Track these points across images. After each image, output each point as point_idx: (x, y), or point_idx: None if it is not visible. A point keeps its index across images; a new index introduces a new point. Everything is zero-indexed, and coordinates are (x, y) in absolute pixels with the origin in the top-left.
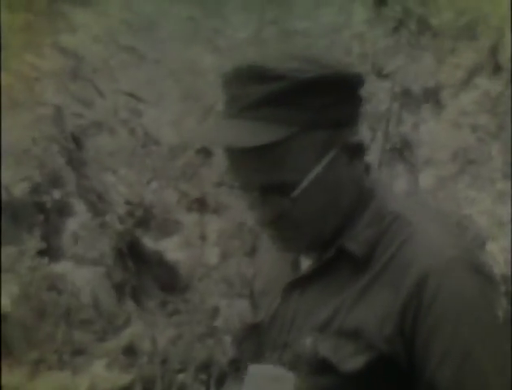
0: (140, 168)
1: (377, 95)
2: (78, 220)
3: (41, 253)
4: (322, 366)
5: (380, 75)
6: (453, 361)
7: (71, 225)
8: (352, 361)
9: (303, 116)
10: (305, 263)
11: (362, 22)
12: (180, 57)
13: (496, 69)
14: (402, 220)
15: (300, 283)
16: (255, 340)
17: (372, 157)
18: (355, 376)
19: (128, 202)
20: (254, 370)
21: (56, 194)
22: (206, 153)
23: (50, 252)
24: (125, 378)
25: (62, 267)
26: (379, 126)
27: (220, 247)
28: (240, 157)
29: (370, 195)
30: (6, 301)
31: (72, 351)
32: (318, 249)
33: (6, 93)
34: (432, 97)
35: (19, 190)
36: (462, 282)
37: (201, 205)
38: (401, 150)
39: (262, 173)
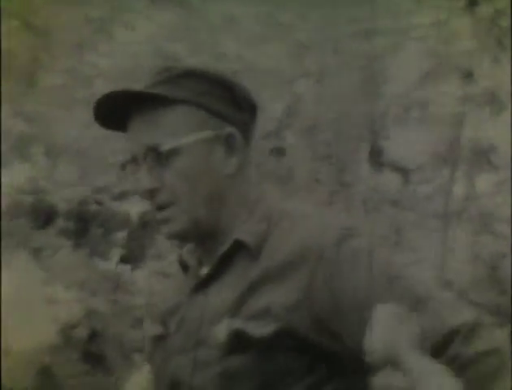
0: None
1: (444, 97)
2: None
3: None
4: (236, 342)
5: (466, 76)
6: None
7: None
8: (263, 329)
9: (183, 93)
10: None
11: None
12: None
13: None
14: (291, 215)
15: (202, 286)
16: (163, 350)
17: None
18: (266, 347)
19: None
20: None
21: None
22: (278, 151)
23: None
24: None
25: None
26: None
27: None
28: (136, 115)
29: (258, 198)
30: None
31: None
32: (204, 242)
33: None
34: None
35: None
36: (354, 244)
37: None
38: (478, 155)
39: (146, 134)
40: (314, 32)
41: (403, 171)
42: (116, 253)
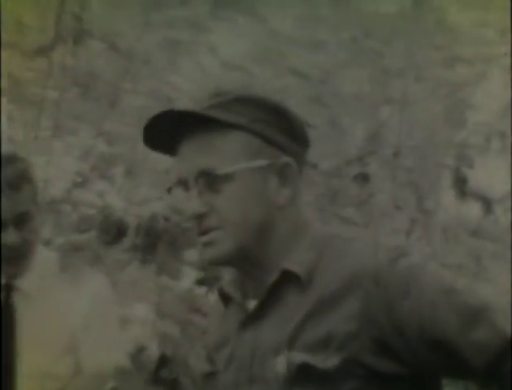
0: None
1: None
2: None
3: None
4: (299, 375)
5: None
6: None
7: None
8: (328, 360)
9: (240, 119)
10: (252, 304)
11: None
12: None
13: None
14: (340, 239)
15: (252, 320)
16: (213, 388)
17: None
18: (331, 378)
19: None
20: None
21: None
22: (363, 177)
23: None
24: None
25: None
26: None
27: None
28: (189, 138)
29: (305, 226)
30: None
31: None
32: (249, 270)
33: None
34: None
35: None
36: (408, 262)
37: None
38: None
39: (200, 157)
40: (397, 59)
41: (485, 201)
42: (187, 273)
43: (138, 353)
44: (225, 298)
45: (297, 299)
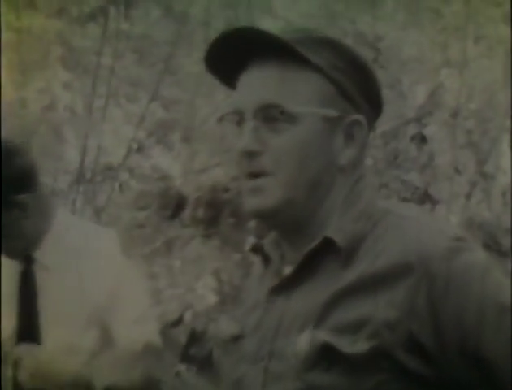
0: None
1: None
2: None
3: None
4: (321, 357)
5: None
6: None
7: None
8: (356, 345)
9: (319, 60)
10: (289, 270)
11: None
12: None
13: None
14: (393, 215)
15: (284, 288)
16: (233, 354)
17: None
18: (356, 366)
19: None
20: None
21: None
22: (421, 138)
23: None
24: None
25: None
26: None
27: None
28: (258, 67)
29: (359, 193)
30: None
31: None
32: (292, 233)
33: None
34: None
35: None
36: (468, 259)
37: (424, 196)
38: None
39: (267, 89)
40: (456, 18)
41: None
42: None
43: (169, 328)
44: (265, 258)
45: (335, 272)
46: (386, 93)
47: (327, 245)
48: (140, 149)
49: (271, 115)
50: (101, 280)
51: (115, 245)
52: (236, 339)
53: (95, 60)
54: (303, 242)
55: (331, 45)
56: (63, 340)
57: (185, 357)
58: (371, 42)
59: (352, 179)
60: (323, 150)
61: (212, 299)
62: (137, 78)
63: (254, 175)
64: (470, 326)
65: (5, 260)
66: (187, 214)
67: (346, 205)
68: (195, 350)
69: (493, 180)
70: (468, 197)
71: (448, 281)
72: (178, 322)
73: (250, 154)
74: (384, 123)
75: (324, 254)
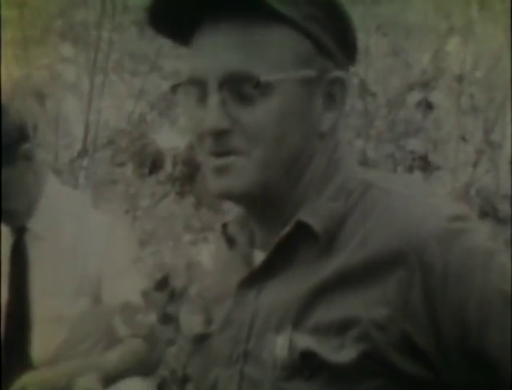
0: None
1: None
2: None
3: None
4: (302, 364)
5: None
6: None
7: None
8: (342, 352)
9: (291, 12)
10: (260, 257)
11: None
12: None
13: None
14: (377, 189)
15: (256, 280)
16: (204, 354)
17: None
18: (343, 374)
19: None
20: None
21: None
22: (426, 104)
23: None
24: None
25: None
26: None
27: None
28: (218, 26)
29: (336, 165)
30: None
31: None
32: (265, 214)
33: None
34: None
35: None
36: (469, 242)
37: (424, 163)
38: None
39: (233, 54)
40: None
41: None
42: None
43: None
44: (230, 240)
45: (313, 261)
46: (390, 62)
47: (303, 230)
48: (141, 122)
49: (240, 87)
50: (92, 248)
51: (105, 213)
52: (204, 338)
53: (96, 33)
54: (276, 224)
55: None
56: (54, 310)
57: (163, 317)
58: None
59: (329, 148)
60: (302, 120)
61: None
62: (139, 51)
63: (223, 154)
64: (472, 321)
65: None
66: (163, 172)
67: (323, 179)
68: (172, 309)
69: (500, 149)
70: (475, 165)
71: (445, 271)
72: (162, 284)
73: (218, 133)
74: (388, 92)
75: (300, 240)
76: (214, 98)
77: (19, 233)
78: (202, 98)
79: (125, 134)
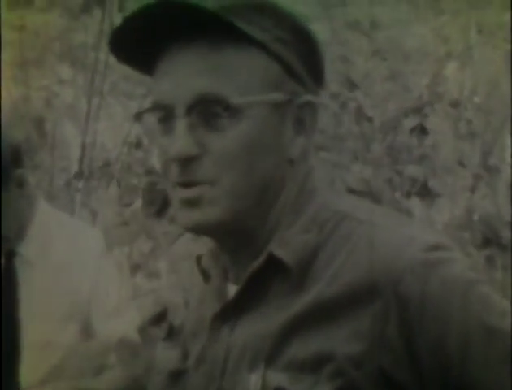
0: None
1: None
2: None
3: None
4: None
5: None
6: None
7: None
8: (316, 389)
9: (260, 34)
10: (233, 291)
11: None
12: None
13: None
14: (352, 220)
15: (228, 315)
16: None
17: None
18: None
19: None
20: None
21: None
22: (421, 130)
23: None
24: None
25: None
26: None
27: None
28: (185, 49)
29: (308, 194)
30: None
31: None
32: (236, 246)
33: None
34: None
35: None
36: (447, 273)
37: (424, 190)
38: None
39: (201, 77)
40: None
41: None
42: None
43: (149, 325)
44: (204, 273)
45: (286, 295)
46: (388, 86)
47: (274, 263)
48: (138, 145)
49: (209, 110)
50: (83, 274)
51: (97, 240)
52: (179, 373)
53: (93, 55)
54: (248, 256)
55: (269, 12)
56: (43, 335)
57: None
58: (365, 28)
59: (301, 175)
60: (272, 145)
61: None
62: (135, 74)
63: (191, 185)
64: (452, 355)
65: None
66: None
67: (295, 209)
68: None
69: (498, 174)
70: (472, 190)
71: (422, 303)
72: (159, 319)
73: (186, 160)
74: (384, 116)
75: (272, 273)
76: (181, 123)
77: (9, 257)
78: (169, 125)
79: (122, 160)
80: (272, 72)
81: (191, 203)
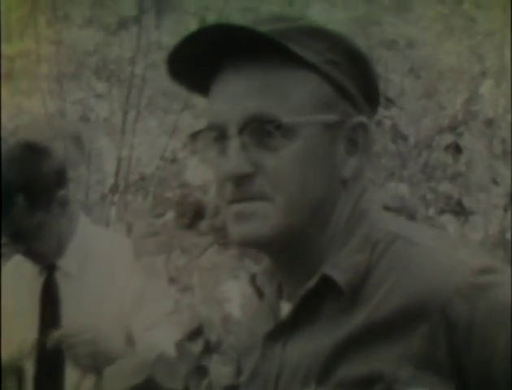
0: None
1: None
2: None
3: None
4: None
5: None
6: None
7: None
8: None
9: (313, 56)
10: (286, 308)
11: None
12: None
13: None
14: (403, 241)
15: (282, 333)
16: None
17: None
18: None
19: None
20: None
21: None
22: (455, 148)
23: None
24: None
25: None
26: None
27: None
28: (237, 71)
29: (361, 214)
30: None
31: None
32: (290, 264)
33: None
34: None
35: None
36: (495, 297)
37: (459, 208)
38: None
39: (254, 98)
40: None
41: None
42: None
43: (185, 340)
44: (258, 291)
45: (338, 315)
46: (423, 103)
47: (328, 283)
48: (174, 160)
49: (262, 129)
50: (123, 287)
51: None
52: (233, 389)
53: (128, 69)
54: (302, 275)
55: (322, 36)
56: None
57: (197, 369)
58: (402, 48)
59: (354, 195)
60: (325, 164)
61: (229, 309)
62: (172, 89)
63: (245, 200)
64: (498, 379)
65: (25, 271)
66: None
67: (348, 229)
68: (208, 361)
69: None
70: (506, 208)
71: (470, 327)
72: (196, 334)
73: (240, 179)
74: (419, 134)
75: (325, 293)
76: (235, 143)
77: (50, 271)
78: (223, 145)
79: (157, 175)
80: (324, 93)
81: (245, 217)
